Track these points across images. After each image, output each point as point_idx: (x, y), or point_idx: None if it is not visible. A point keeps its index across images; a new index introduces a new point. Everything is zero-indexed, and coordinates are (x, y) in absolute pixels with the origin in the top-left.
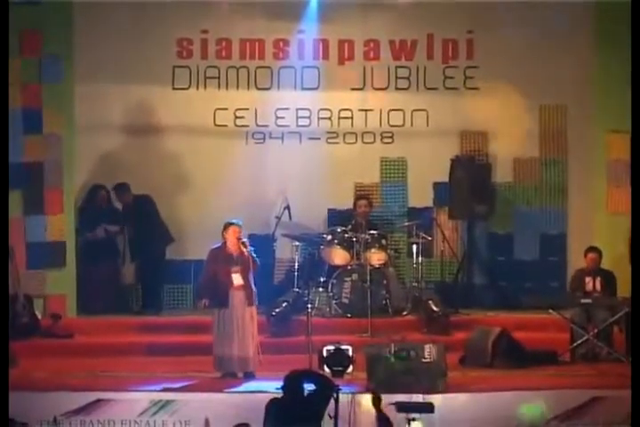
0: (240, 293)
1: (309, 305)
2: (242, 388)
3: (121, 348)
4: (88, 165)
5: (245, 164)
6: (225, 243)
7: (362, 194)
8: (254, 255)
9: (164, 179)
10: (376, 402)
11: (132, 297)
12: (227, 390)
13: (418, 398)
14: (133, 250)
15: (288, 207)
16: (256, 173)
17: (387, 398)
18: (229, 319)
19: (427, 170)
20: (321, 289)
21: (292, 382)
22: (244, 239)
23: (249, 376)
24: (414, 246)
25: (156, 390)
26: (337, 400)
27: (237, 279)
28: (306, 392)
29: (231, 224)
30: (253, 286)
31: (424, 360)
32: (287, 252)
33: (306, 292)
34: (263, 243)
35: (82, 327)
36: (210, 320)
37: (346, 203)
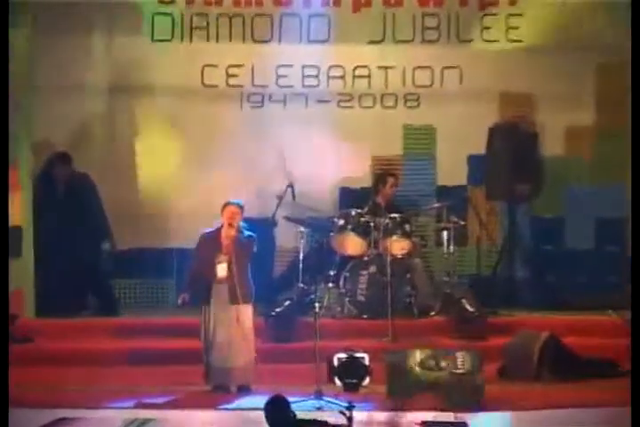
0: (223, 287)
1: (317, 304)
2: (235, 404)
3: (90, 355)
4: (48, 133)
5: (240, 132)
6: (220, 228)
7: (386, 170)
8: (250, 239)
9: (140, 150)
10: None
11: (104, 294)
12: (217, 407)
13: (448, 417)
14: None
15: (292, 185)
16: (253, 144)
17: (412, 417)
18: (213, 320)
19: (459, 140)
20: (331, 284)
21: (275, 410)
22: (240, 222)
23: (243, 390)
24: (444, 233)
25: (131, 407)
26: (350, 420)
27: (221, 271)
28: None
29: (227, 205)
30: (250, 279)
31: (456, 371)
32: (290, 239)
33: (313, 288)
34: (261, 228)
35: (43, 330)
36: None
37: (361, 180)
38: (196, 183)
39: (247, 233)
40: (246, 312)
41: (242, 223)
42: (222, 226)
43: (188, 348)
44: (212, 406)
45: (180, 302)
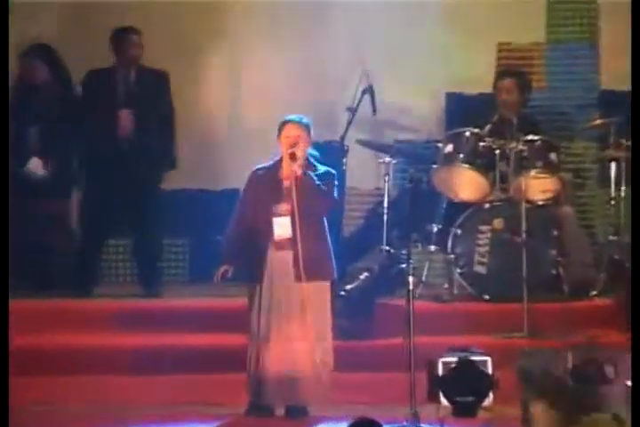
0: (284, 254)
1: (411, 278)
2: None
3: (81, 357)
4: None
5: (295, 12)
6: (279, 161)
7: (518, 65)
8: (329, 178)
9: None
10: None
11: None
12: None
13: None
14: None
15: (371, 90)
16: (313, 29)
17: None
18: (268, 304)
19: None
20: (433, 247)
21: None
22: (310, 150)
23: (295, 414)
24: (612, 165)
25: None
26: None
27: (281, 228)
28: None
29: (286, 123)
30: (329, 242)
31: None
32: (369, 175)
33: (404, 252)
34: (325, 158)
35: (12, 319)
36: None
37: (481, 82)
38: (230, 90)
39: (323, 168)
40: (321, 294)
41: (312, 152)
42: (281, 159)
43: (229, 346)
44: None
45: (218, 277)
